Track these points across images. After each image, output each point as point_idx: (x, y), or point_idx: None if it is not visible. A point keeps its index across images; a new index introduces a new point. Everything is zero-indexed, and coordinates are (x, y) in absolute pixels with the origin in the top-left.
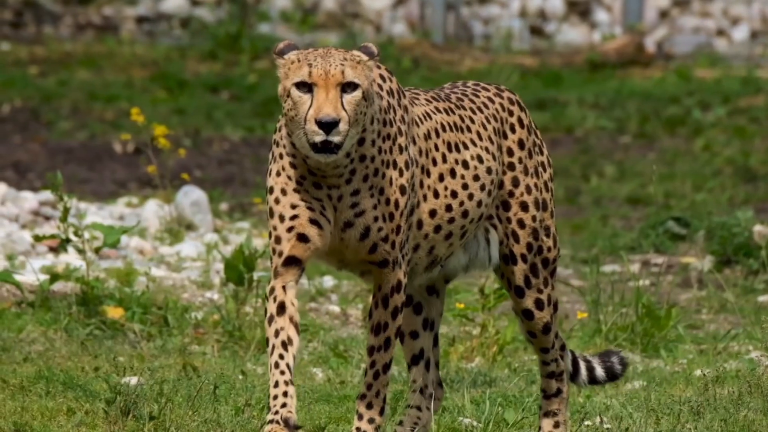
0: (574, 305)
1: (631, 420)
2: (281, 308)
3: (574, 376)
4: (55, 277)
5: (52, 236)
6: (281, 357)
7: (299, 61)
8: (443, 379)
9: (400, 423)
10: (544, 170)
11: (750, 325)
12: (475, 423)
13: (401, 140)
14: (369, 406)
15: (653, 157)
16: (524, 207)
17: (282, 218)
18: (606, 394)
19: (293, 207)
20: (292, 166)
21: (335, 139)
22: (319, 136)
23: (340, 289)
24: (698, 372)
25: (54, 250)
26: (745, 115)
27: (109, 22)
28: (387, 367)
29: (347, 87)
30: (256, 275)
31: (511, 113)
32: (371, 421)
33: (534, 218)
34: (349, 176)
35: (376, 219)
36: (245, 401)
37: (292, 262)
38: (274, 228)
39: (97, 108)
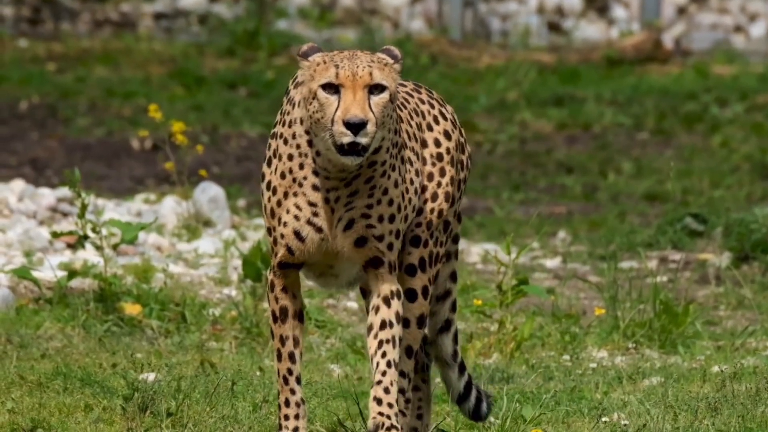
0: (592, 301)
1: (649, 416)
2: (284, 312)
3: (464, 398)
4: (72, 273)
5: (70, 233)
6: (290, 372)
7: (325, 62)
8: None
9: (401, 413)
10: (462, 169)
11: None
12: (492, 419)
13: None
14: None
15: (671, 153)
16: (447, 198)
17: (279, 222)
18: (624, 390)
19: (287, 212)
20: (300, 167)
21: (363, 140)
22: (347, 137)
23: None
24: (716, 368)
25: (72, 246)
26: (763, 112)
27: (126, 18)
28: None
29: (375, 89)
30: None
31: (432, 106)
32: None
33: (446, 211)
34: (350, 178)
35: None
36: (263, 397)
37: (286, 266)
38: (273, 228)
39: (115, 104)
